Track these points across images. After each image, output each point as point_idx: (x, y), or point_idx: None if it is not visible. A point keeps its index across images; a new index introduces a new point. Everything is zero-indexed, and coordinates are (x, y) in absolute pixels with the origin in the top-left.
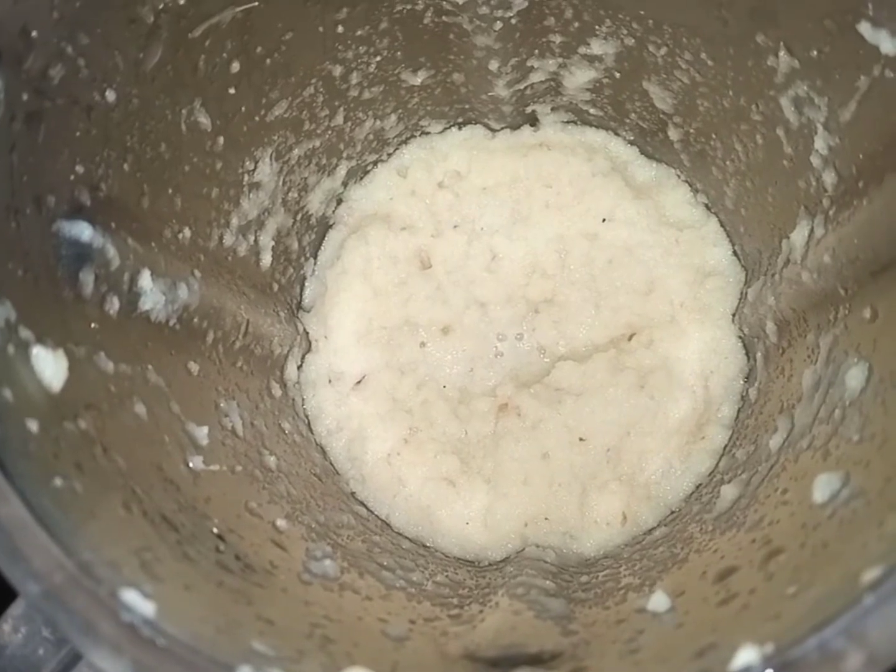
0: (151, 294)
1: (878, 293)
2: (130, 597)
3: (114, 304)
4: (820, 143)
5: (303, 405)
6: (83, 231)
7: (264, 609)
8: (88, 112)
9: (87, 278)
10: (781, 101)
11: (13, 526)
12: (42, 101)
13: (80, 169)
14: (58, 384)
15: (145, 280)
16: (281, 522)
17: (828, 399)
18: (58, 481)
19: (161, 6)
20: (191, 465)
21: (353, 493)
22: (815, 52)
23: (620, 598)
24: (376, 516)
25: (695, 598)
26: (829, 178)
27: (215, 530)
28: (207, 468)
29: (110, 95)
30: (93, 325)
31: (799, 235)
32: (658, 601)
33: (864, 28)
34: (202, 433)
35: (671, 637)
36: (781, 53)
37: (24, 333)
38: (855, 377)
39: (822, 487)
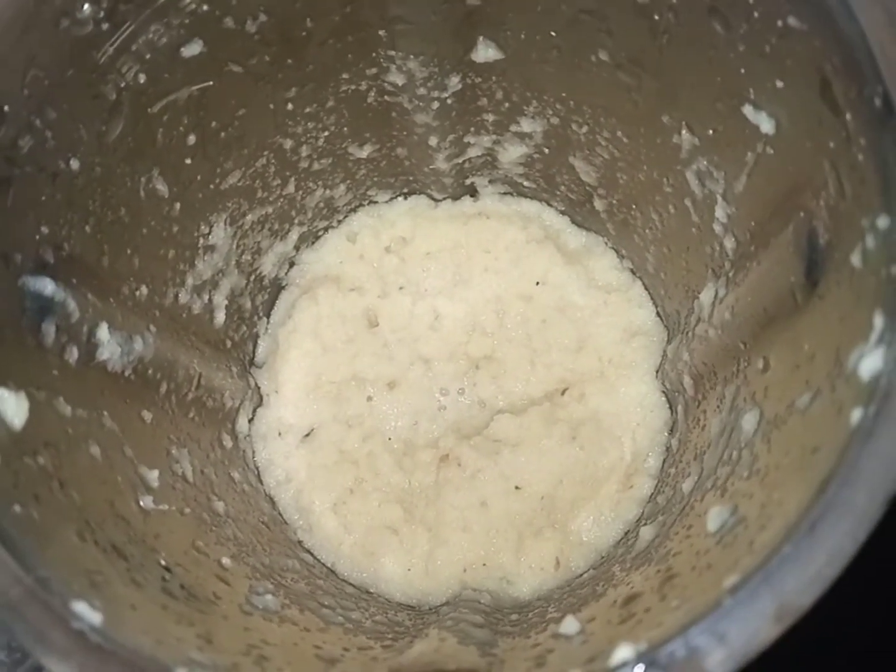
0: (108, 345)
1: (769, 345)
2: (80, 607)
3: (73, 354)
4: (720, 212)
5: (253, 457)
6: (46, 286)
7: (205, 630)
8: (54, 178)
9: (49, 329)
10: (687, 174)
11: None
12: (11, 168)
13: (44, 230)
14: (19, 423)
15: (103, 332)
16: (226, 561)
17: (730, 443)
18: (17, 508)
19: (123, 84)
20: (142, 504)
21: (300, 542)
22: (710, 131)
23: (542, 629)
24: (322, 564)
25: (602, 622)
26: (728, 243)
27: (163, 562)
28: (157, 508)
29: (74, 164)
30: (53, 371)
31: (707, 296)
32: (569, 625)
33: (748, 110)
34: (153, 476)
35: (574, 652)
36: (684, 132)
37: None
38: (749, 421)
39: (715, 518)
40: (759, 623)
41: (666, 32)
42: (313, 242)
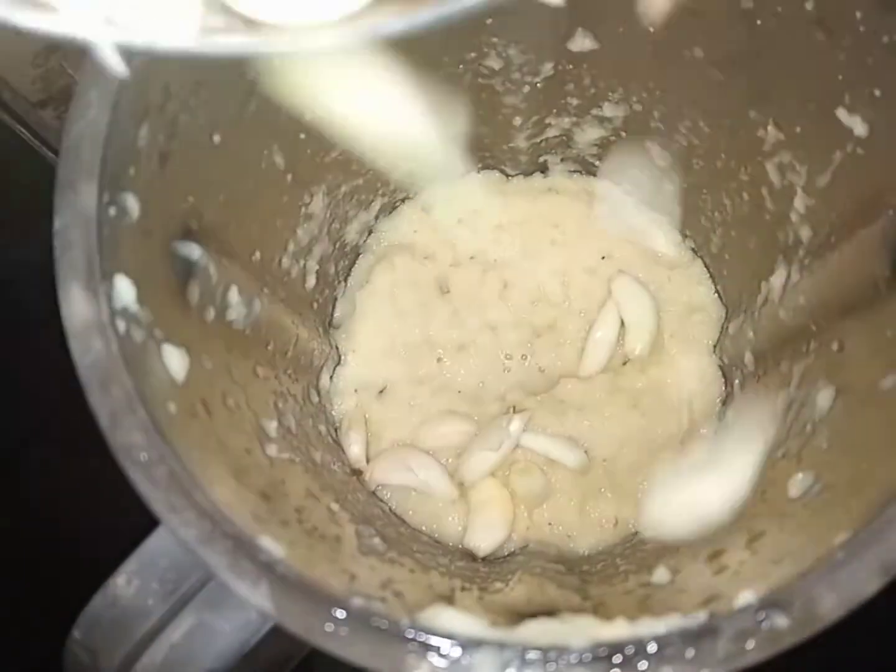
0: (236, 306)
1: (844, 330)
2: (266, 542)
3: (210, 314)
4: (799, 203)
5: (332, 411)
6: (193, 251)
7: (346, 566)
8: (200, 152)
9: (194, 291)
10: (767, 166)
11: (168, 483)
12: (171, 143)
13: (191, 199)
14: (181, 377)
15: (233, 294)
16: (334, 506)
17: (799, 417)
18: (195, 454)
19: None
20: (268, 452)
21: (373, 492)
22: (798, 129)
23: (623, 579)
24: (393, 513)
25: (691, 573)
26: (805, 232)
27: (293, 505)
28: (279, 456)
29: (216, 138)
30: (197, 330)
31: (777, 279)
32: (660, 575)
33: (841, 113)
34: (272, 427)
35: (676, 597)
36: (770, 128)
37: (158, 333)
38: (824, 398)
39: (797, 485)
40: (867, 574)
41: (766, 36)
42: (391, 212)
